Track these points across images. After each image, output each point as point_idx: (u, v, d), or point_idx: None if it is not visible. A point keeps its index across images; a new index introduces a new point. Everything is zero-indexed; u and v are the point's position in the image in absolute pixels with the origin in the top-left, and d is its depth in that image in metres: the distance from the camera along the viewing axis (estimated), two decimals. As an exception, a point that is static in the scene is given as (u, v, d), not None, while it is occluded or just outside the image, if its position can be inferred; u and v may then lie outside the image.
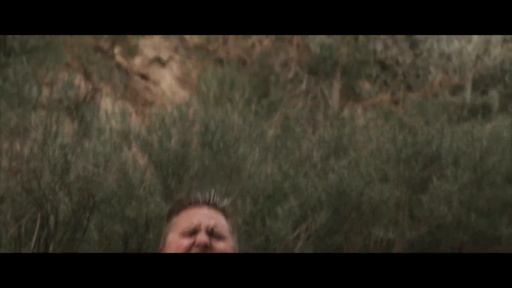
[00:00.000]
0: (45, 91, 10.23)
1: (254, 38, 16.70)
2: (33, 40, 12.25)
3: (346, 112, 13.23)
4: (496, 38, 16.01)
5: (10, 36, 11.24)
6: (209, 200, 2.73)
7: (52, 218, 7.26)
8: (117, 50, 15.88)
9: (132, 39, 15.97)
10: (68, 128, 9.92)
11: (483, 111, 14.10)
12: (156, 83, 16.40)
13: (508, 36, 16.17)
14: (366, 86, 15.98)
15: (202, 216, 2.67)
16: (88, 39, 15.40)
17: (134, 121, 12.97)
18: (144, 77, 16.31)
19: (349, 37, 15.09)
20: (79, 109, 11.19)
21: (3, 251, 6.84)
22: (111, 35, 15.33)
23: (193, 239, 2.67)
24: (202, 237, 2.64)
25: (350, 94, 15.55)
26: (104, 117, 11.11)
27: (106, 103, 12.96)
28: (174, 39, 17.24)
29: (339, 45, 14.66)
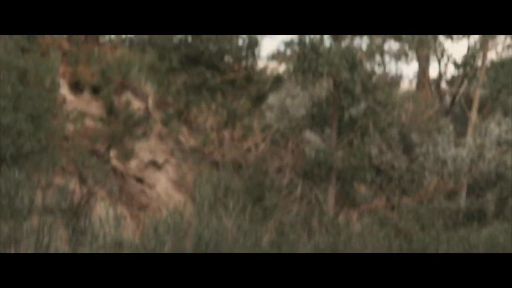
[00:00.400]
0: (39, 196, 10.21)
1: (250, 142, 16.80)
2: (28, 144, 12.29)
3: (341, 218, 13.20)
4: (490, 141, 16.08)
5: (5, 144, 11.26)
6: None
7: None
8: (113, 153, 15.92)
9: (128, 142, 16.03)
10: (62, 233, 9.87)
11: (479, 216, 14.10)
12: (151, 187, 16.41)
13: (501, 139, 16.23)
14: (361, 190, 15.98)
15: None
16: (85, 142, 15.46)
17: (129, 225, 12.91)
18: (140, 180, 16.32)
19: (344, 142, 15.17)
20: (73, 215, 11.16)
21: None
22: (109, 140, 15.42)
23: None
24: None
25: (345, 199, 15.53)
26: (98, 222, 11.05)
27: (101, 208, 12.91)
28: (170, 142, 17.33)
29: (334, 150, 14.72)
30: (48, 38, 15.88)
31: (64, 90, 16.01)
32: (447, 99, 21.30)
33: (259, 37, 17.89)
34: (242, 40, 18.15)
